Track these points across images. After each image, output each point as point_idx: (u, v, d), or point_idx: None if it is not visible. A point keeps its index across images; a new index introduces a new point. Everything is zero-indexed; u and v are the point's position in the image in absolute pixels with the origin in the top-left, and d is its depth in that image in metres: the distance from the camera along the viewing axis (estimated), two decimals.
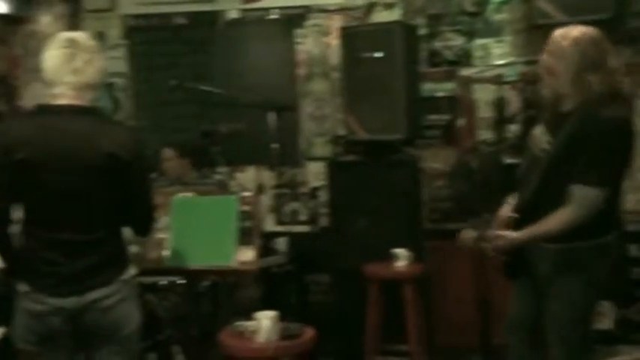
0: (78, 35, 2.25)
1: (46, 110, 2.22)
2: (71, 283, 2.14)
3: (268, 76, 4.55)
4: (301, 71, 4.56)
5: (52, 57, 2.18)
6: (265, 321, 2.64)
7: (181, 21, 4.66)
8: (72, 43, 2.18)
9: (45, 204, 2.15)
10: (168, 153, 4.05)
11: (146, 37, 4.69)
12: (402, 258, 3.65)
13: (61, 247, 2.14)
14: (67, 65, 2.16)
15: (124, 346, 2.24)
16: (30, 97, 4.67)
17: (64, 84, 2.16)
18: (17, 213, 2.22)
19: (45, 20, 4.70)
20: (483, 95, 4.32)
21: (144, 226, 2.37)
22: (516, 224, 2.38)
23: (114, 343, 2.21)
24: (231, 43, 4.60)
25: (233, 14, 4.62)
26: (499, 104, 4.28)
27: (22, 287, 2.17)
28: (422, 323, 3.68)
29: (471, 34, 4.35)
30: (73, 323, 2.15)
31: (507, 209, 2.49)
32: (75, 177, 2.13)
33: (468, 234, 3.17)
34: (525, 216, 2.36)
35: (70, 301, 2.13)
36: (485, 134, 4.31)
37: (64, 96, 2.17)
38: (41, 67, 2.21)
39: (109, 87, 4.64)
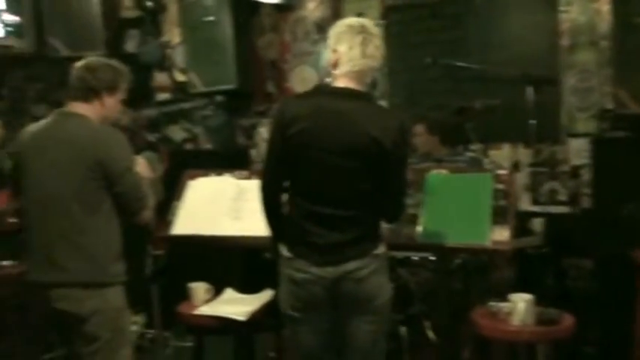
0: (366, 21, 2.34)
1: (324, 91, 2.38)
2: (328, 253, 2.27)
3: (527, 48, 4.31)
4: (564, 42, 4.26)
5: (347, 41, 2.27)
6: (521, 303, 2.55)
7: None
8: (364, 29, 2.28)
9: (310, 179, 2.29)
10: (419, 129, 4.08)
11: (403, 16, 4.75)
12: None
13: (322, 220, 2.28)
14: (362, 50, 2.26)
15: (376, 316, 2.33)
16: (297, 80, 5.05)
17: (355, 66, 2.26)
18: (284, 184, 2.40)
19: (311, 6, 5.02)
20: None
21: (393, 214, 2.44)
22: None
23: (367, 313, 2.31)
24: (489, 15, 4.45)
25: None
26: None
27: (285, 253, 2.36)
28: None
29: None
30: (331, 292, 2.29)
31: None
32: (340, 157, 2.23)
33: None
34: None
35: (328, 271, 2.27)
36: None
37: (345, 78, 2.29)
38: (331, 49, 2.31)
39: None
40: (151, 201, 2.59)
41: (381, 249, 2.34)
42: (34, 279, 2.51)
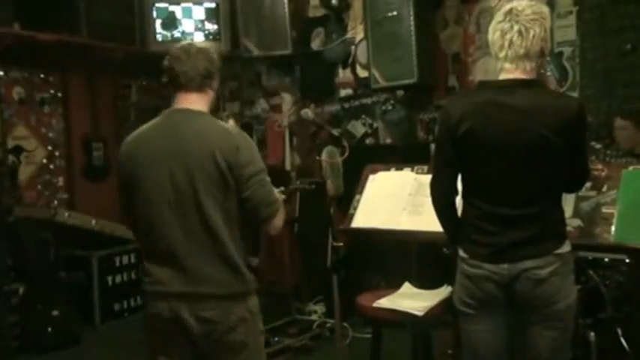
0: (520, 5, 2.20)
1: (489, 86, 2.28)
2: (504, 252, 2.18)
3: None
4: None
5: (500, 29, 2.19)
6: None
7: None
8: (514, 14, 2.17)
9: (485, 179, 2.22)
10: (620, 122, 3.80)
11: (598, 1, 4.43)
12: None
13: (498, 220, 2.20)
14: (511, 38, 2.16)
15: (557, 321, 2.20)
16: (480, 72, 4.91)
17: (504, 56, 2.18)
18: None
19: None
20: None
21: (578, 185, 2.38)
22: None
23: (547, 318, 2.19)
24: None
25: None
26: None
27: (461, 253, 2.30)
28: None
29: None
30: (507, 292, 2.20)
31: None
32: (511, 153, 2.15)
33: None
34: None
35: (503, 268, 2.18)
36: None
37: (507, 68, 2.20)
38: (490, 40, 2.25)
39: (558, 56, 4.56)
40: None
41: (564, 248, 2.20)
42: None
